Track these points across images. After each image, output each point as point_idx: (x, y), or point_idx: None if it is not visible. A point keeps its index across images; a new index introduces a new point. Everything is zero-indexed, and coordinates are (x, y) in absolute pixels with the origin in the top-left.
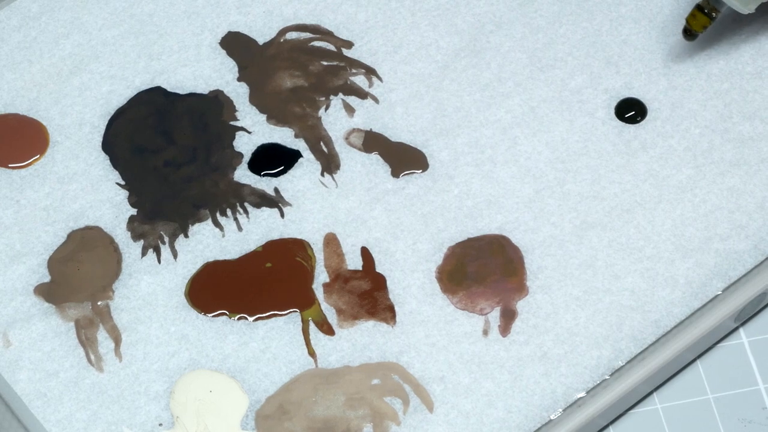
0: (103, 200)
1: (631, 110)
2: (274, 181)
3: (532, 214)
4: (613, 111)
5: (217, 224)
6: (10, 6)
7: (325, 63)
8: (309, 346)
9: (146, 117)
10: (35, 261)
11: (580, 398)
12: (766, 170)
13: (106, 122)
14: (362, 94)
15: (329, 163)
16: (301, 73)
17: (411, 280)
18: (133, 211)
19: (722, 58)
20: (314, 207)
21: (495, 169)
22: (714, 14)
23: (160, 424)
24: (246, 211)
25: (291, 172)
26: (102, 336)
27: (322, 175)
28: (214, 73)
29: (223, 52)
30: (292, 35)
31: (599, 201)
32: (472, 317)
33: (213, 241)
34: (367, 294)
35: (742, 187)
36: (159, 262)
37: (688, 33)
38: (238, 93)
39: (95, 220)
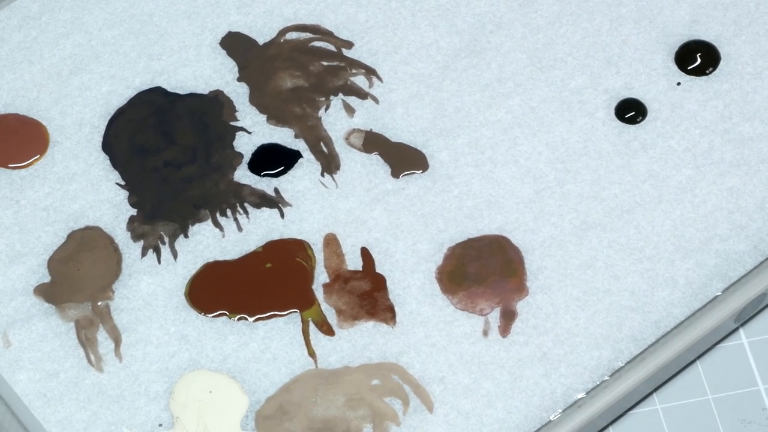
0: (103, 200)
1: (631, 111)
2: (274, 182)
3: (532, 214)
4: (613, 111)
5: (217, 224)
6: (10, 6)
7: (325, 63)
8: (309, 346)
9: (146, 117)
10: (35, 261)
11: (580, 399)
12: (766, 171)
13: (106, 122)
14: (362, 95)
15: (329, 164)
16: (301, 73)
17: (411, 281)
18: (133, 212)
19: (722, 59)
20: (314, 207)
21: (495, 169)
22: None
23: (160, 425)
24: (246, 212)
25: (291, 172)
26: (102, 336)
27: (322, 175)
28: (214, 74)
29: (224, 52)
30: (292, 35)
31: (599, 201)
32: (472, 318)
33: (213, 241)
34: (367, 294)
35: (742, 187)
36: (159, 262)
37: None
38: (238, 93)
39: (95, 220)
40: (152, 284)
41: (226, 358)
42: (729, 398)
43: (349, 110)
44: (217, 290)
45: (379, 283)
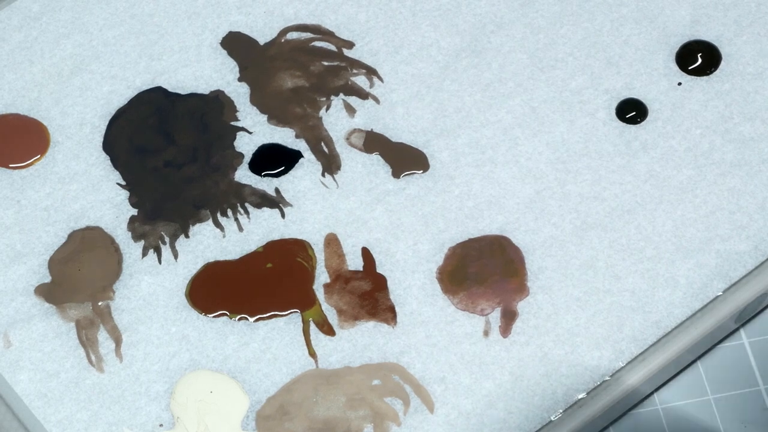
0: (104, 200)
1: (631, 111)
2: (275, 182)
3: (533, 214)
4: (613, 111)
5: (217, 225)
6: (10, 6)
7: (325, 63)
8: (309, 346)
9: (147, 117)
10: (36, 261)
11: (581, 399)
12: (767, 171)
13: (107, 122)
14: (363, 95)
15: (330, 164)
16: (301, 73)
17: (412, 281)
18: (134, 212)
19: (723, 59)
20: (315, 207)
21: (496, 169)
22: None
23: (161, 425)
24: (247, 212)
25: (292, 172)
26: (102, 336)
27: (323, 175)
28: (215, 74)
29: (224, 52)
30: (292, 35)
31: (600, 202)
32: (472, 318)
33: (214, 241)
34: (368, 294)
35: (743, 187)
36: (160, 262)
37: None
38: (239, 93)
39: (96, 220)
40: (153, 284)
41: (227, 358)
42: (729, 398)
43: (350, 110)
44: (218, 290)
45: (379, 283)
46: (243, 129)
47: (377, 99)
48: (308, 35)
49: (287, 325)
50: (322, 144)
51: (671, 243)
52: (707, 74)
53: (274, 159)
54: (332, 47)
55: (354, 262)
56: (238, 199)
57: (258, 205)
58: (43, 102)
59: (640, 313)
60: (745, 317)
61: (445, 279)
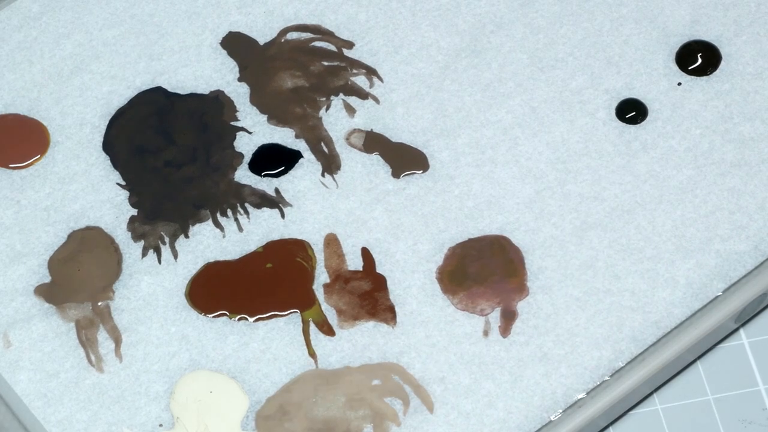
0: (104, 201)
1: (631, 111)
2: (275, 182)
3: (533, 214)
4: (613, 111)
5: (217, 225)
6: (10, 6)
7: (325, 63)
8: (309, 346)
9: (147, 117)
10: (36, 261)
11: (581, 399)
12: (767, 171)
13: (107, 122)
14: (363, 95)
15: (330, 164)
16: (301, 73)
17: (411, 281)
18: (134, 212)
19: (723, 59)
20: (315, 207)
21: (496, 169)
22: None
23: (161, 425)
24: (246, 212)
25: (291, 172)
26: (102, 336)
27: (323, 175)
28: (215, 74)
29: (224, 52)
30: (292, 35)
31: (600, 201)
32: (472, 318)
33: (213, 241)
34: (368, 294)
35: (743, 187)
36: (159, 262)
37: None
38: (239, 93)
39: (96, 220)
40: (153, 284)
41: (227, 358)
42: (729, 398)
43: (350, 110)
44: (218, 290)
45: (379, 283)
46: (243, 129)
47: (377, 99)
48: (308, 35)
49: (287, 325)
50: (322, 144)
51: (671, 243)
52: (707, 74)
53: (274, 159)
54: (332, 47)
55: (354, 262)
56: (238, 199)
57: (258, 206)
58: (43, 102)
59: (640, 313)
60: (744, 317)
61: (444, 279)
